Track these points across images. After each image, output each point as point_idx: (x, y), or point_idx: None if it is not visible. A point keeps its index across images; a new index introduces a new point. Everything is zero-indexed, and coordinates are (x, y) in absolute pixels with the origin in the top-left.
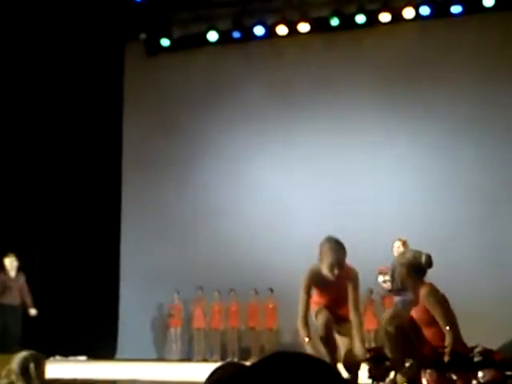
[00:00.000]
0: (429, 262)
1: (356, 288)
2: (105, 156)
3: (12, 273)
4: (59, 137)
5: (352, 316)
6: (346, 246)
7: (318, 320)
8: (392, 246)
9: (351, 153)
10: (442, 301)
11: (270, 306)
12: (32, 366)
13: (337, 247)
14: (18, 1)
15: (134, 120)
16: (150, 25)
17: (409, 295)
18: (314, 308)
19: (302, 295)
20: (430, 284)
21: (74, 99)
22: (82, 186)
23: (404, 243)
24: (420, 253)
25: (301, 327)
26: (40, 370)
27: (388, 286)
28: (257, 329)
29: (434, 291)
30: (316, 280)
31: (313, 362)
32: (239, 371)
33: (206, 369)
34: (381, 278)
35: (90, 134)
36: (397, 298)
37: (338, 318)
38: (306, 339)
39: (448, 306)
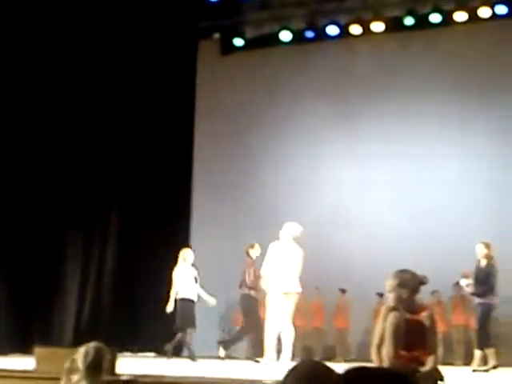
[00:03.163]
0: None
1: None
2: (176, 156)
3: None
4: (128, 137)
5: None
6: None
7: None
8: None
9: (423, 150)
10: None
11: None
12: (108, 357)
13: None
14: None
15: (207, 119)
16: (224, 24)
17: (489, 299)
18: None
19: None
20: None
21: (146, 98)
22: (153, 192)
23: (487, 246)
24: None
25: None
26: (112, 363)
27: (471, 289)
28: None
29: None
30: None
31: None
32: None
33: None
34: (464, 282)
35: (162, 134)
36: (477, 301)
37: None
38: None
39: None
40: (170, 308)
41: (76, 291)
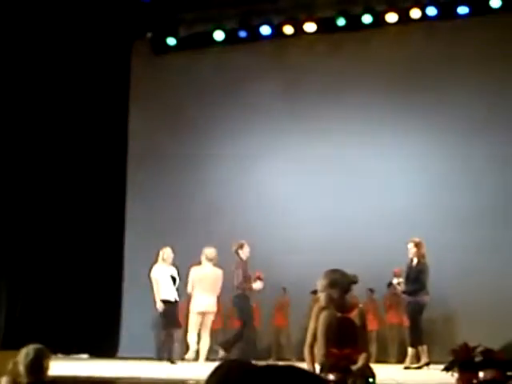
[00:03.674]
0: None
1: None
2: (110, 155)
3: None
4: (63, 136)
5: None
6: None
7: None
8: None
9: (358, 152)
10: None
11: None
12: (48, 358)
13: None
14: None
15: (140, 119)
16: (157, 24)
17: (421, 297)
18: None
19: None
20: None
21: (80, 98)
22: (87, 186)
23: (417, 244)
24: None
25: None
26: (46, 364)
27: (402, 287)
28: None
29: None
30: None
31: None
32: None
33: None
34: (395, 280)
35: (96, 133)
36: (408, 299)
37: None
38: None
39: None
40: (160, 308)
41: (6, 292)
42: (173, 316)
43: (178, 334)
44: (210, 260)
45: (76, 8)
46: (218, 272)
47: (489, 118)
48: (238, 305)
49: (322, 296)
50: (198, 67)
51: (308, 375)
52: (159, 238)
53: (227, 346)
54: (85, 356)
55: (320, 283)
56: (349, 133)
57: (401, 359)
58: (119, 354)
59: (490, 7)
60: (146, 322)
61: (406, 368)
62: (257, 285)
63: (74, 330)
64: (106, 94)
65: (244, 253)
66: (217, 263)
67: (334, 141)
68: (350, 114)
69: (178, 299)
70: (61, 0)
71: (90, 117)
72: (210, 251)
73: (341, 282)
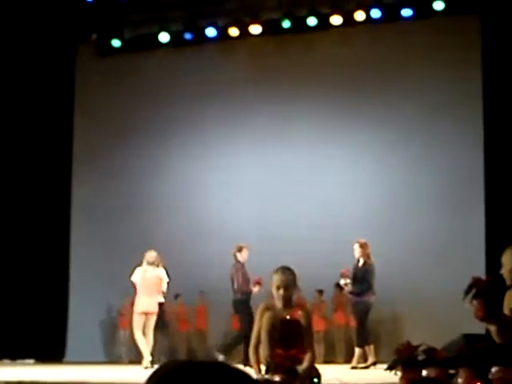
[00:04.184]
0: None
1: None
2: (55, 159)
3: None
4: (6, 139)
5: None
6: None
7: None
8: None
9: (299, 153)
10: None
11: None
12: None
13: None
14: None
15: (85, 122)
16: (102, 25)
17: (367, 297)
18: None
19: None
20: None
21: (24, 102)
22: (31, 188)
23: (362, 245)
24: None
25: None
26: None
27: (349, 288)
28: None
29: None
30: None
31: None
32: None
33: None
34: (342, 281)
35: (40, 137)
36: (355, 299)
37: None
38: None
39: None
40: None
41: None
42: (160, 318)
43: (125, 335)
44: (150, 264)
45: (19, 10)
46: (160, 273)
47: (434, 117)
48: (238, 308)
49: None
50: (144, 69)
51: (235, 372)
52: (106, 237)
53: (227, 350)
54: (31, 361)
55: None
56: (294, 133)
57: (348, 359)
58: (66, 359)
59: (433, 10)
60: (93, 324)
61: (352, 368)
62: (256, 289)
63: (19, 334)
64: (50, 96)
65: (242, 256)
66: (160, 264)
67: (279, 141)
68: (295, 115)
69: (161, 301)
70: (4, 2)
71: (35, 120)
72: (150, 255)
73: (285, 283)
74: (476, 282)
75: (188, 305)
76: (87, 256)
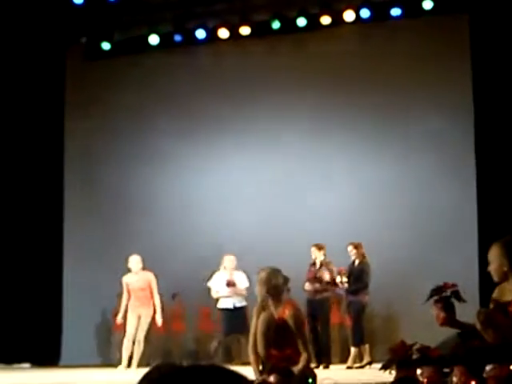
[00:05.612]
0: (285, 282)
1: None
2: (45, 162)
3: None
4: None
5: None
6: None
7: None
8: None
9: (294, 152)
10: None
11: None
12: None
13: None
14: None
15: (76, 125)
16: (91, 28)
17: (362, 296)
18: None
19: None
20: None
21: (14, 105)
22: (22, 192)
23: (356, 246)
24: (276, 273)
25: None
26: None
27: (345, 286)
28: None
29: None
30: None
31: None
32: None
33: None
34: (338, 279)
35: (30, 140)
36: (350, 298)
37: None
38: None
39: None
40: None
41: None
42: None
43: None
44: (135, 268)
45: (8, 12)
46: (147, 277)
47: (424, 116)
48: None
49: (258, 296)
50: (134, 72)
51: (231, 375)
52: (99, 239)
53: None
54: (27, 365)
55: (257, 285)
56: (284, 133)
57: (343, 359)
58: (62, 362)
59: (422, 9)
60: (88, 327)
61: (348, 367)
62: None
63: (14, 338)
64: (40, 99)
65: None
66: (144, 266)
67: (269, 141)
68: (286, 115)
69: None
70: None
71: (24, 123)
72: (133, 259)
73: (275, 283)
74: (437, 289)
75: (187, 305)
76: (81, 259)
